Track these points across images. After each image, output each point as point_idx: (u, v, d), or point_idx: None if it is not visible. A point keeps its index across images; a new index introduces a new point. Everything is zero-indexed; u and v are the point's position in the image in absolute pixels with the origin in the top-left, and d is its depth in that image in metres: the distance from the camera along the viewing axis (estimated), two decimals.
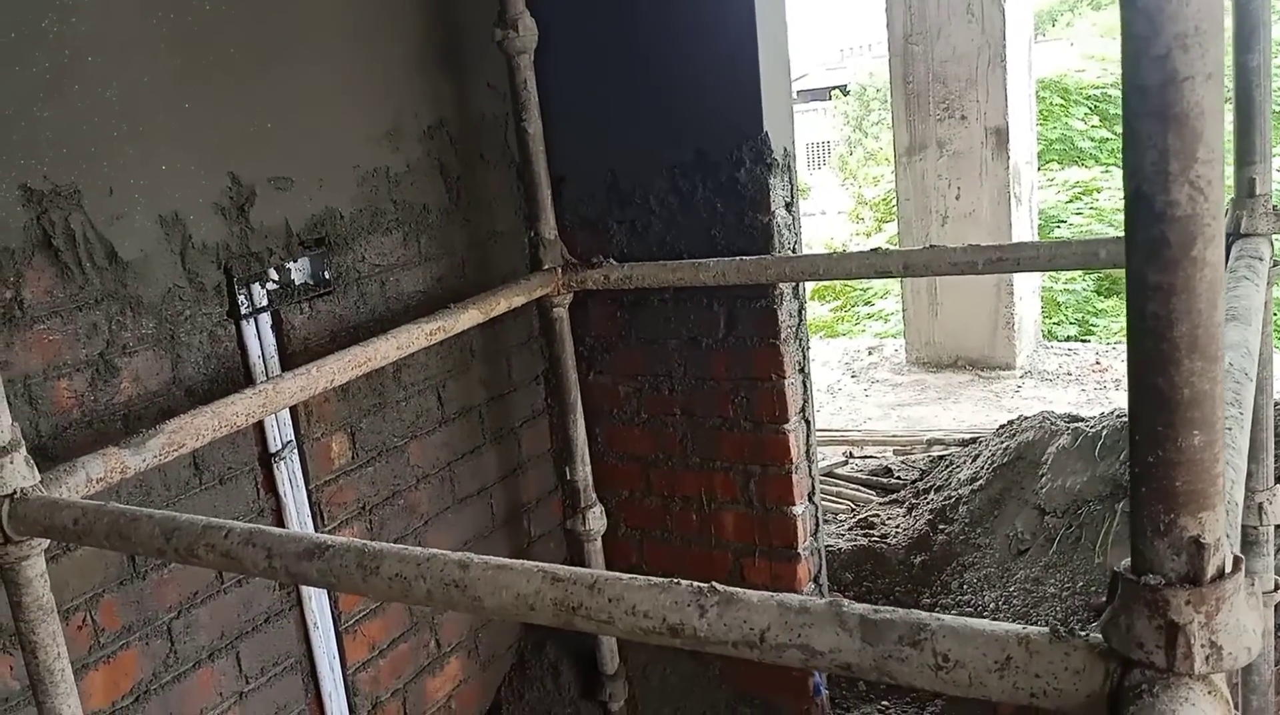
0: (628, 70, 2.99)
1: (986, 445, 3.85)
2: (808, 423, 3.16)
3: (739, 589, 1.04)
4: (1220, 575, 0.79)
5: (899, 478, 4.62)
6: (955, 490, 3.69)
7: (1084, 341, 8.24)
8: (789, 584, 3.18)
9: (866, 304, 16.14)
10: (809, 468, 3.20)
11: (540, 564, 1.16)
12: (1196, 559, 0.79)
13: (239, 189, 2.37)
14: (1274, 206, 1.94)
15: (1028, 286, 6.23)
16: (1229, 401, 1.25)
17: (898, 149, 6.09)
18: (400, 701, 2.91)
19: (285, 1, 2.48)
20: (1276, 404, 3.07)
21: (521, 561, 1.18)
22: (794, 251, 2.97)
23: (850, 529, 3.96)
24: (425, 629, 2.99)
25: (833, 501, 4.42)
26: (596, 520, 3.18)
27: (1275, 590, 2.17)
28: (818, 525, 3.26)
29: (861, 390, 6.70)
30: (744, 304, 3.01)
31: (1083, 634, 0.87)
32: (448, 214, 2.97)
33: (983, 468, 3.68)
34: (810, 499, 3.21)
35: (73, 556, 2.05)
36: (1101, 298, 13.14)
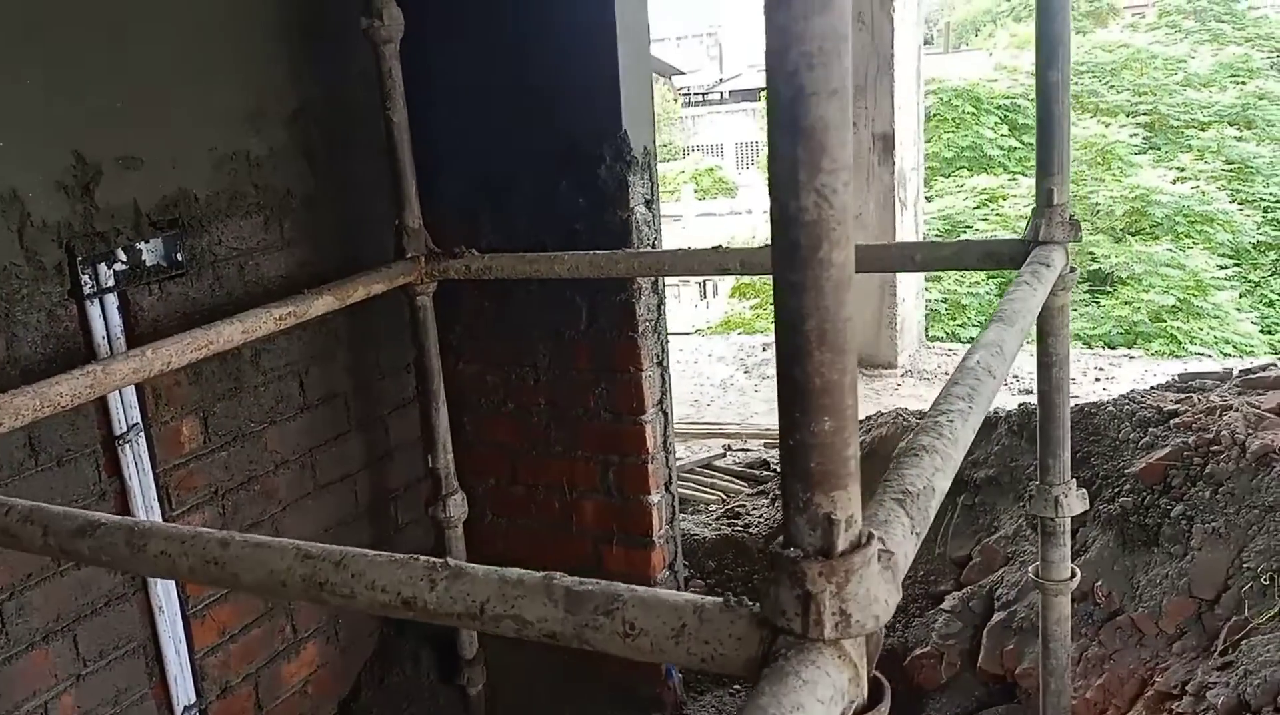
0: (497, 66, 3.03)
1: None
2: (665, 414, 3.24)
3: (467, 564, 1.10)
4: (852, 549, 0.87)
5: (774, 470, 4.75)
6: None
7: (966, 343, 8.47)
8: (643, 570, 3.26)
9: None
10: (665, 458, 3.28)
11: (297, 541, 1.21)
12: (829, 534, 0.86)
13: (83, 168, 2.34)
14: (1070, 216, 2.05)
15: (910, 289, 6.41)
16: (961, 396, 1.34)
17: None
18: (253, 686, 2.91)
19: None
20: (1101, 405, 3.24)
21: (280, 540, 1.22)
22: (653, 247, 3.04)
23: (717, 519, 4.06)
24: (281, 615, 3.00)
25: (706, 492, 4.52)
26: (457, 507, 3.21)
27: (1072, 578, 2.31)
28: (674, 514, 3.34)
29: (752, 385, 6.84)
30: (604, 298, 3.07)
31: (748, 604, 0.94)
32: (313, 199, 2.97)
33: None
34: (667, 488, 3.30)
35: None
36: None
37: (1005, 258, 2.15)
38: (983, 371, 1.42)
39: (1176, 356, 8.95)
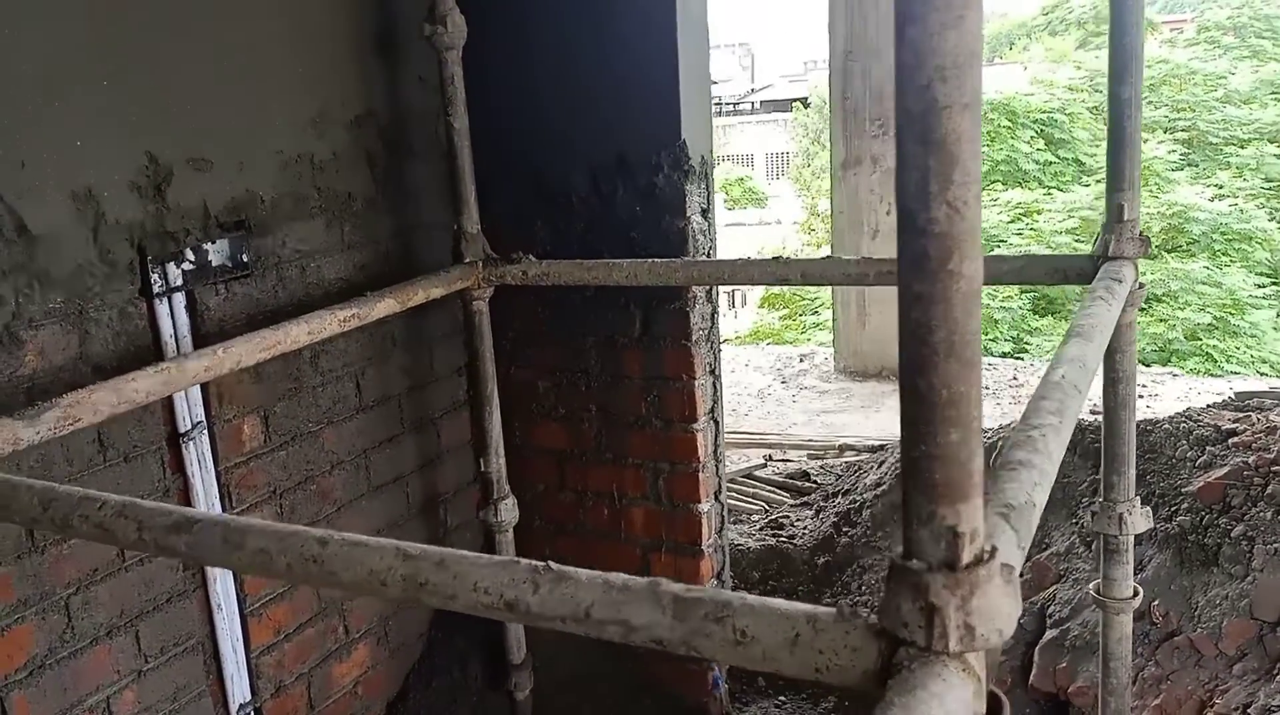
0: (557, 72, 3.05)
1: (892, 452, 3.96)
2: (716, 423, 3.25)
3: (572, 568, 1.11)
4: (976, 562, 0.87)
5: (815, 481, 4.74)
6: (861, 495, 3.80)
7: (1007, 357, 8.44)
8: (692, 579, 3.26)
9: (813, 313, 16.38)
10: (716, 467, 3.29)
11: (397, 542, 1.22)
12: (953, 546, 0.86)
13: (156, 168, 2.38)
14: (1140, 232, 2.05)
15: None
16: (1052, 411, 1.34)
17: (834, 163, 6.22)
18: (305, 685, 2.94)
19: None
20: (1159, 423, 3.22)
21: (380, 540, 1.23)
22: (708, 256, 3.05)
23: (761, 529, 4.05)
24: (334, 615, 3.02)
25: (748, 502, 4.51)
26: (508, 512, 3.23)
27: (1134, 597, 2.30)
28: (723, 523, 3.34)
29: (790, 396, 6.83)
30: (659, 305, 3.09)
31: (863, 615, 0.95)
32: (373, 203, 3.01)
33: (887, 474, 3.80)
34: (716, 497, 3.30)
35: None
36: (1037, 316, 13.47)
37: (1074, 274, 2.14)
38: (1069, 386, 1.42)
39: (1213, 375, 8.86)
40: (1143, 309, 13.82)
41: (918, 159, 0.81)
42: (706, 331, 3.15)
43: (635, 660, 3.37)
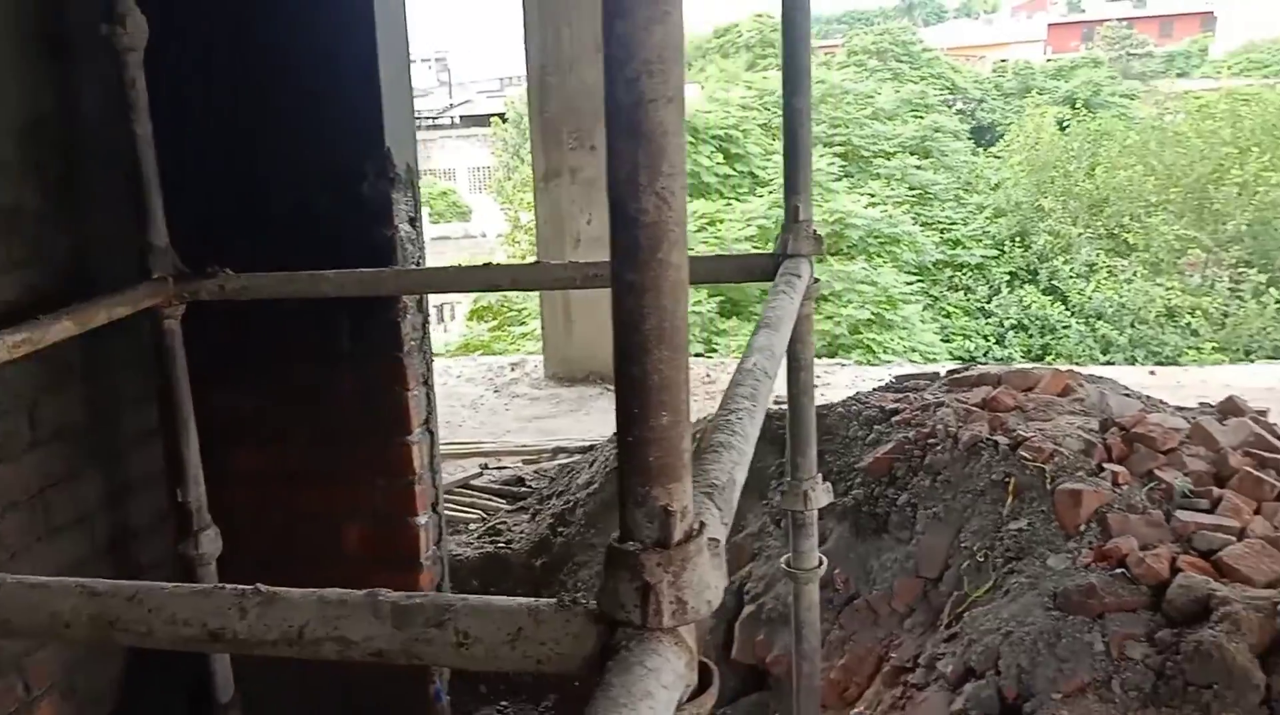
0: (255, 77, 2.92)
1: (602, 451, 4.11)
2: (431, 434, 3.24)
3: (283, 589, 1.08)
4: (687, 539, 0.95)
5: (530, 486, 4.82)
6: (574, 495, 3.92)
7: (699, 357, 8.94)
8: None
9: (521, 323, 16.54)
10: (432, 479, 3.27)
11: (80, 580, 1.13)
12: (665, 525, 0.93)
13: None
14: (814, 231, 2.27)
15: None
16: (746, 396, 1.47)
17: (536, 175, 6.35)
18: None
19: None
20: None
21: (61, 579, 1.13)
22: (418, 265, 3.04)
23: (479, 537, 4.08)
24: (10, 672, 2.73)
25: (466, 512, 4.52)
26: (210, 543, 3.04)
27: (820, 566, 2.53)
28: (441, 535, 3.33)
29: (503, 404, 6.88)
30: (369, 317, 3.03)
31: (584, 602, 1.00)
32: (45, 218, 2.74)
33: (598, 472, 3.94)
34: (434, 509, 3.28)
35: None
36: (724, 318, 14.38)
37: (758, 271, 2.33)
38: (760, 373, 1.56)
39: (873, 364, 9.85)
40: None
41: (627, 151, 0.85)
42: (419, 342, 3.12)
43: (355, 686, 3.28)
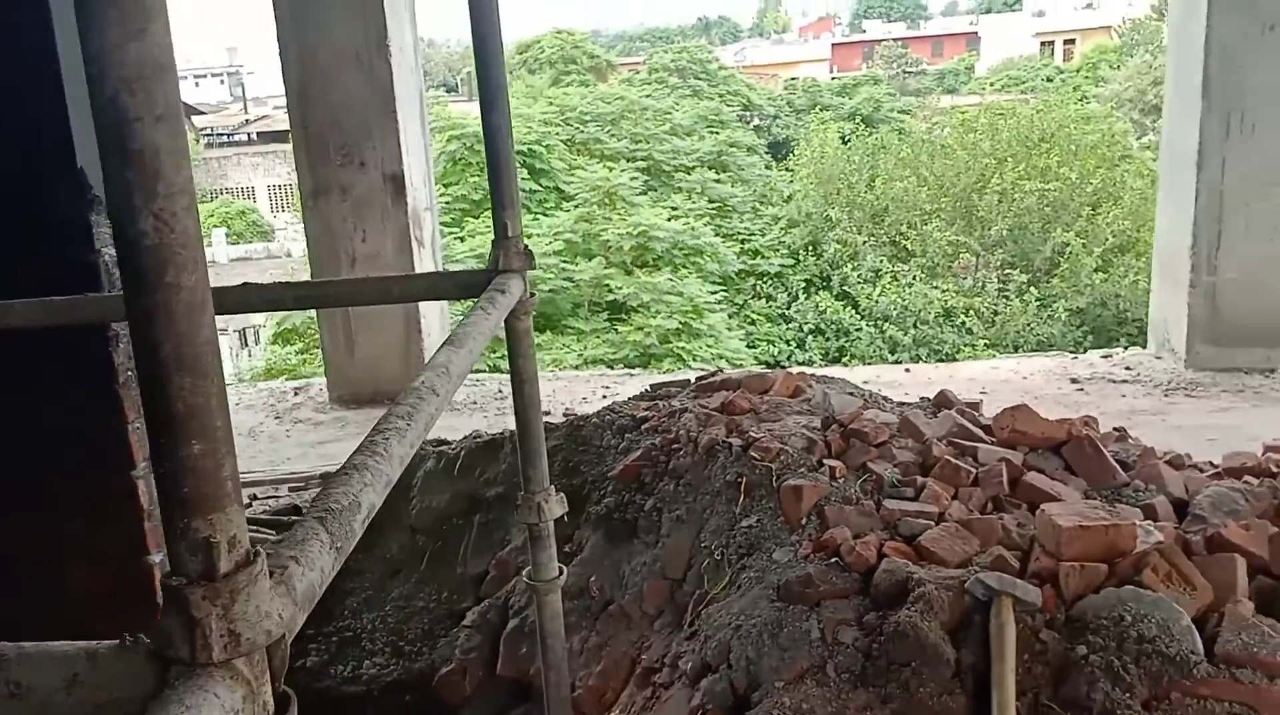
0: None
1: None
2: None
3: None
4: (237, 569, 0.89)
5: (304, 513, 4.62)
6: None
7: (496, 372, 8.88)
8: None
9: None
10: None
11: None
12: (209, 557, 0.87)
13: None
14: (525, 246, 2.24)
15: (435, 322, 6.57)
16: (402, 415, 1.42)
17: (303, 193, 6.11)
18: None
19: None
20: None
21: None
22: None
23: None
24: None
25: None
26: None
27: (559, 576, 2.51)
28: None
29: (284, 431, 6.59)
30: (76, 347, 2.81)
31: (144, 641, 0.93)
32: None
33: None
34: None
35: None
36: (538, 332, 14.35)
37: (475, 287, 2.28)
38: (426, 391, 1.51)
39: (674, 372, 10.03)
40: (622, 320, 15.35)
41: (117, 172, 0.80)
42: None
43: None
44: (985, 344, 15.04)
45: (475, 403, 6.69)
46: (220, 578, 0.88)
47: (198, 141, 33.99)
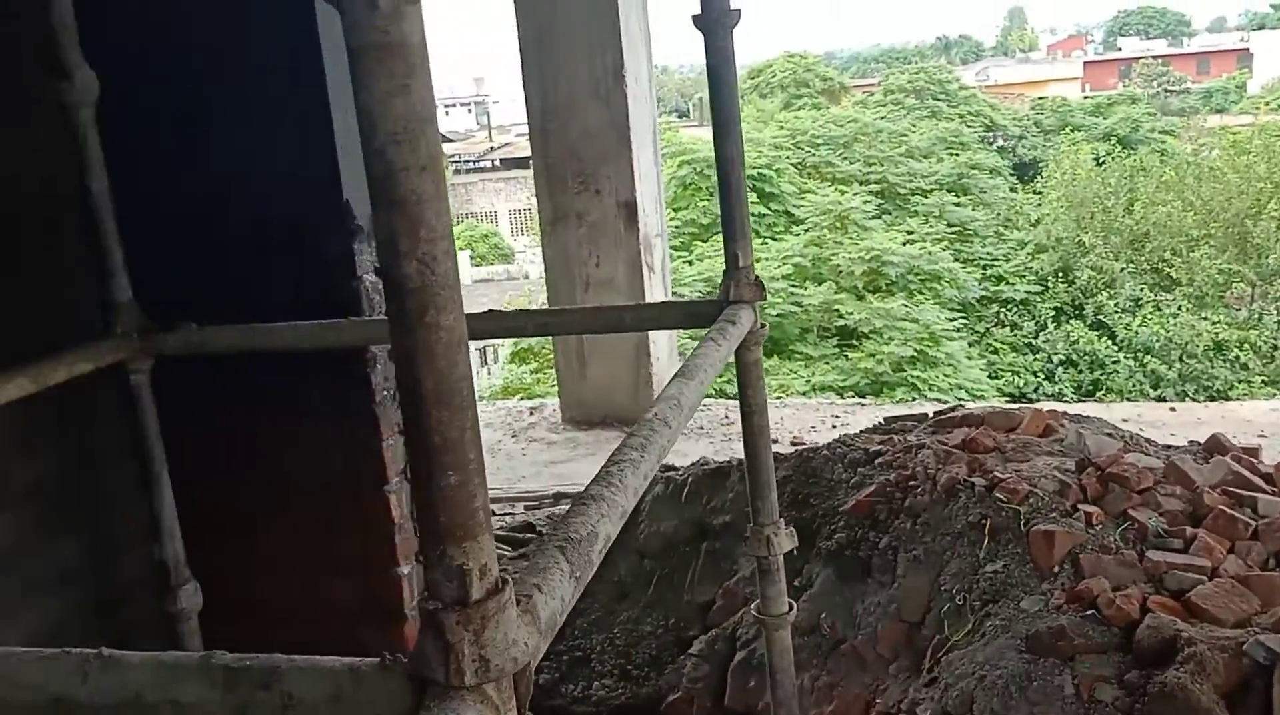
0: (213, 134, 2.96)
1: None
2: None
3: (123, 652, 1.06)
4: (488, 597, 0.91)
5: (539, 531, 4.77)
6: None
7: (721, 397, 8.89)
8: (400, 646, 3.19)
9: None
10: (414, 528, 3.24)
11: None
12: (463, 584, 0.90)
13: None
14: (755, 277, 2.22)
15: (664, 348, 6.66)
16: (635, 447, 1.43)
17: (542, 220, 6.37)
18: None
19: None
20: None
21: None
22: (384, 315, 3.03)
23: None
24: None
25: None
26: (190, 598, 3.03)
27: (789, 611, 2.46)
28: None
29: (519, 449, 6.86)
30: (339, 367, 3.02)
31: (403, 661, 0.97)
32: (10, 273, 2.78)
33: None
34: (418, 560, 3.25)
35: None
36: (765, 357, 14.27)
37: (704, 317, 2.29)
38: (659, 422, 1.52)
39: (910, 401, 9.70)
40: (853, 346, 15.05)
41: (385, 220, 0.85)
42: (393, 391, 3.11)
43: None
44: (1263, 381, 13.68)
45: (702, 428, 6.71)
46: (473, 604, 0.90)
47: (447, 168, 36.18)
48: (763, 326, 2.25)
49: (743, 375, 2.28)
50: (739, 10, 2.10)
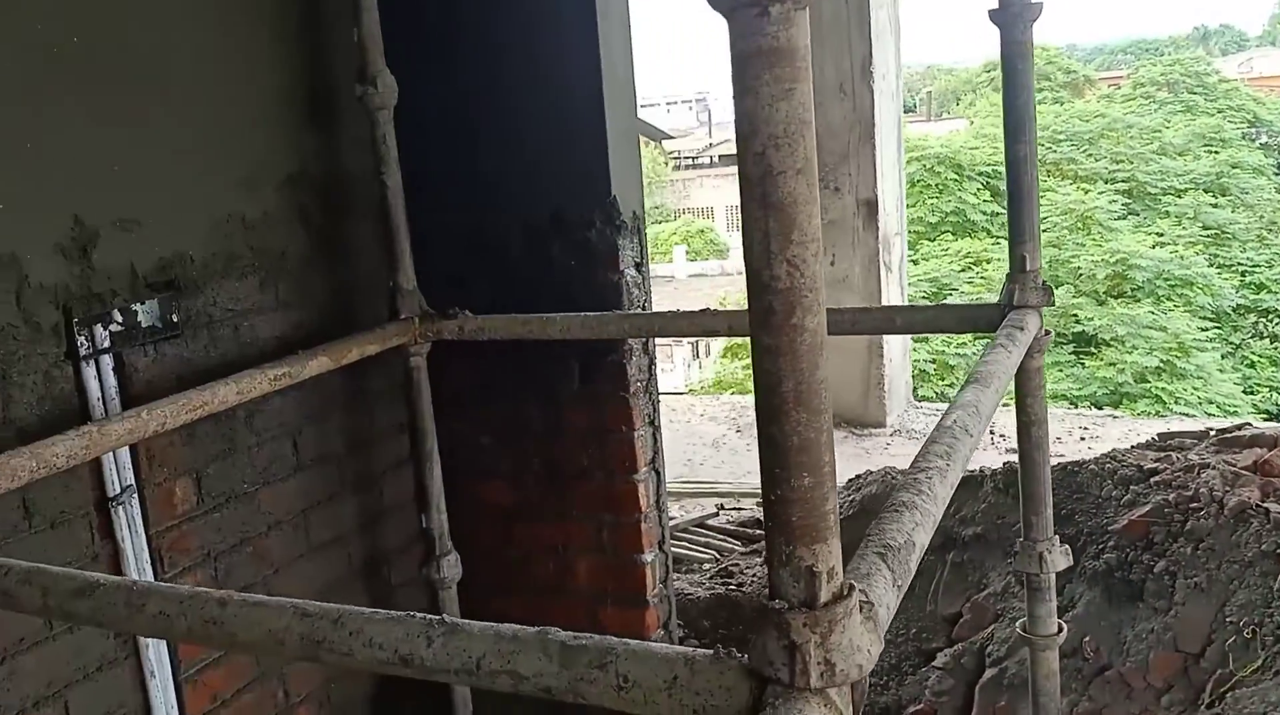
0: (491, 132, 3.12)
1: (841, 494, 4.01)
2: (657, 473, 3.28)
3: (463, 620, 1.13)
4: (835, 600, 0.91)
5: None
6: None
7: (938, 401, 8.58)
8: (638, 629, 3.26)
9: None
10: (659, 517, 3.31)
11: (295, 600, 1.23)
12: (811, 585, 0.90)
13: (82, 229, 2.37)
14: (1042, 281, 2.12)
15: (897, 350, 6.50)
16: (940, 455, 1.39)
17: None
18: None
19: (140, 44, 2.51)
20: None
21: (278, 599, 1.24)
22: (643, 308, 3.11)
23: (711, 578, 4.07)
24: (273, 680, 2.96)
25: (700, 551, 4.53)
26: (451, 568, 3.21)
27: (1059, 633, 2.34)
28: (668, 573, 3.36)
29: (745, 444, 6.88)
30: (596, 358, 3.13)
31: (738, 656, 0.98)
32: (309, 261, 3.01)
33: None
34: (660, 547, 3.31)
35: None
36: None
37: (982, 322, 2.21)
38: (960, 431, 1.47)
39: (1160, 416, 9.02)
40: (1091, 354, 14.17)
41: (758, 221, 0.86)
42: (644, 383, 3.18)
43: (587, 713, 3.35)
44: None
45: None
46: (820, 607, 0.90)
47: (666, 164, 36.62)
48: (1047, 333, 2.15)
49: (1023, 383, 2.18)
50: (1041, 3, 2.01)
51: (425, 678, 1.14)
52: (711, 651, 1.00)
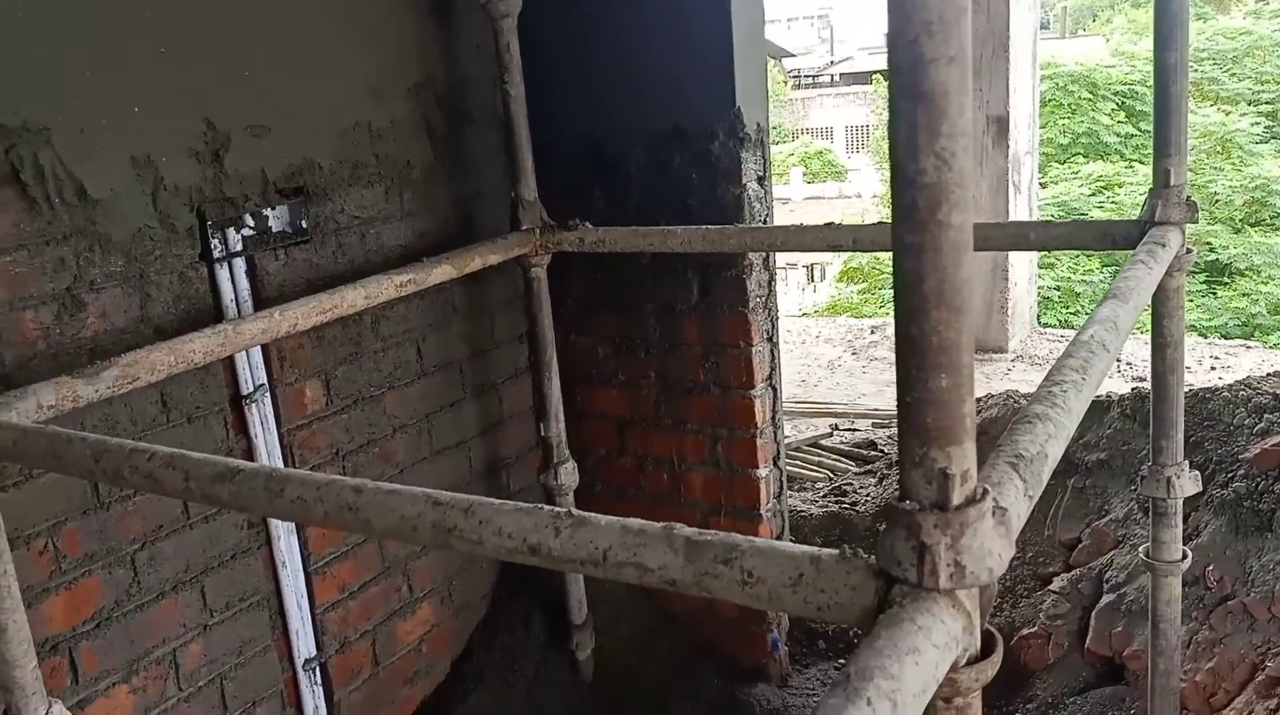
0: (611, 42, 3.08)
1: None
2: (774, 390, 3.27)
3: (590, 513, 1.16)
4: (967, 503, 0.90)
5: (881, 450, 4.73)
6: None
7: (1061, 327, 8.28)
8: None
9: (891, 288, 16.15)
10: (774, 433, 3.31)
11: (428, 490, 1.27)
12: (944, 488, 0.89)
13: (214, 134, 2.43)
14: (1187, 197, 2.01)
15: (1023, 274, 6.29)
16: (1076, 368, 1.35)
17: None
18: (370, 642, 3.00)
19: None
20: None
21: (410, 487, 1.28)
22: (764, 223, 3.07)
23: (824, 496, 4.07)
24: (398, 573, 3.10)
25: (813, 471, 4.53)
26: (568, 476, 3.28)
27: (1183, 560, 2.27)
28: (781, 488, 3.37)
29: (860, 367, 6.80)
30: (716, 272, 3.11)
31: (863, 556, 0.98)
32: (432, 171, 3.06)
33: None
34: (775, 463, 3.32)
35: (35, 484, 2.13)
36: None
37: (1121, 238, 2.11)
38: (1096, 345, 1.42)
39: None
40: (1225, 283, 13.45)
41: (906, 112, 0.83)
42: (764, 299, 3.16)
43: (694, 622, 3.43)
44: None
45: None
46: (952, 509, 0.89)
47: (785, 83, 35.68)
48: (1189, 251, 2.04)
49: (1160, 303, 2.09)
50: None
51: (552, 566, 1.18)
52: (837, 551, 1.00)
